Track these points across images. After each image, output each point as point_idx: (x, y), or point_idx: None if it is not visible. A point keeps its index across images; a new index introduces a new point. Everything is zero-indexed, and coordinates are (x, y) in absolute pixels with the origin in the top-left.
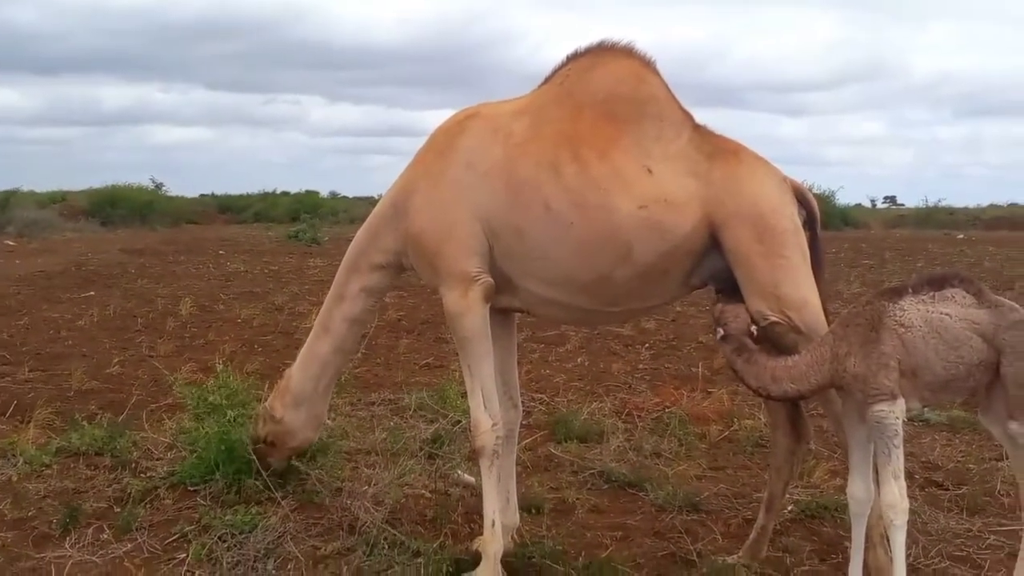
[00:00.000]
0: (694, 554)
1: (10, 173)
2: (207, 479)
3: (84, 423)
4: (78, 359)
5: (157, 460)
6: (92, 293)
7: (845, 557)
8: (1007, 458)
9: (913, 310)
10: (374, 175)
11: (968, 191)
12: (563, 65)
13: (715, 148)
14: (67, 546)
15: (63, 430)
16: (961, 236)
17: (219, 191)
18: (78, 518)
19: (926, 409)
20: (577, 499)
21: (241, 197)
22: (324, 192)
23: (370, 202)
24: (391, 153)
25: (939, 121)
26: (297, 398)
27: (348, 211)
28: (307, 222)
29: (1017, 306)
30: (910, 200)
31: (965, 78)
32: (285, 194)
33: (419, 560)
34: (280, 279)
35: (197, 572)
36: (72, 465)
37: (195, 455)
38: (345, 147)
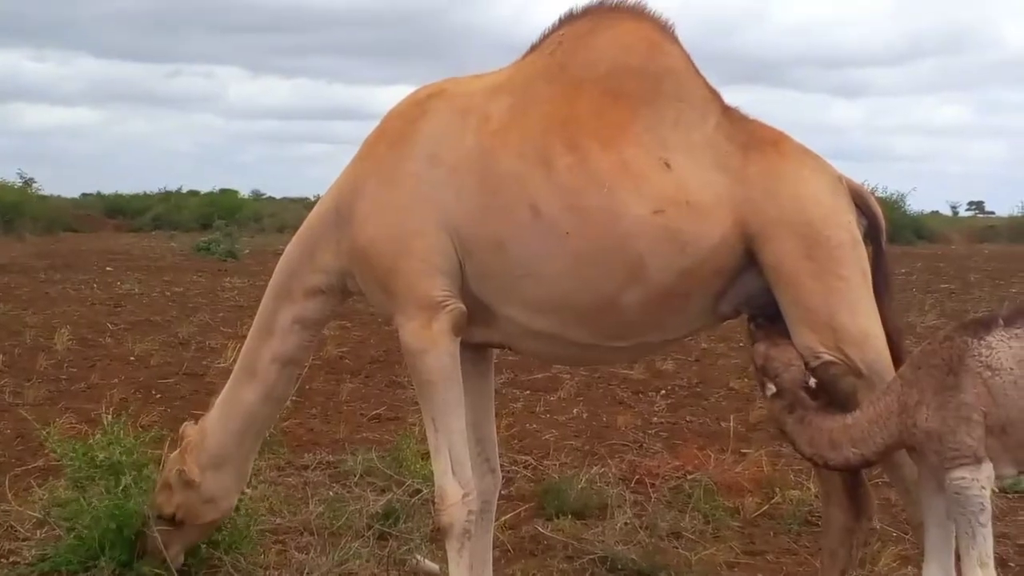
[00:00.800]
0: None
1: None
2: (88, 566)
3: None
4: None
5: (22, 541)
6: None
7: None
8: None
9: (1004, 349)
10: (309, 169)
11: None
12: (555, 30)
13: (751, 137)
14: None
15: None
16: None
17: (107, 190)
18: None
19: (1023, 476)
20: None
21: (136, 197)
22: (244, 191)
23: (304, 205)
24: (331, 141)
25: None
26: (216, 458)
27: (275, 216)
28: (222, 230)
29: None
30: (1002, 207)
31: None
32: (194, 194)
33: None
34: (186, 304)
35: None
36: None
37: (73, 534)
38: (271, 133)
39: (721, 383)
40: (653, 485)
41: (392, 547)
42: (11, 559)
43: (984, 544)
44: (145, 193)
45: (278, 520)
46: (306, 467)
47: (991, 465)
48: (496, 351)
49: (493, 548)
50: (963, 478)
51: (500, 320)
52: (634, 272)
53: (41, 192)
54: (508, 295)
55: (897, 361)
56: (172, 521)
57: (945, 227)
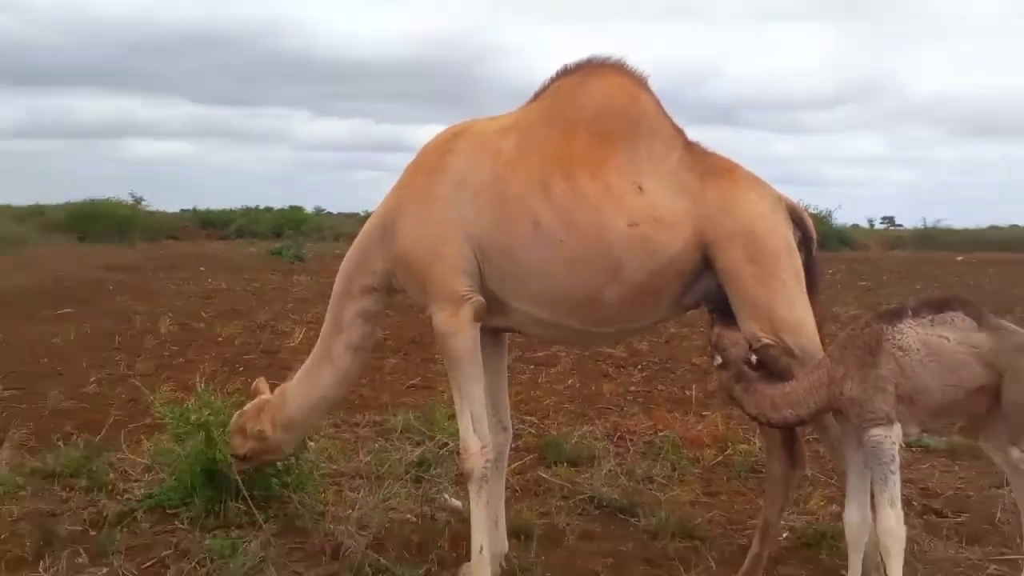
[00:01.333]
0: None
1: None
2: (186, 502)
3: (60, 443)
4: (54, 378)
5: (134, 482)
6: (69, 310)
7: None
8: (1008, 485)
9: (911, 333)
10: (361, 190)
11: (967, 212)
12: (552, 81)
13: (708, 167)
14: (41, 570)
15: (38, 451)
16: (960, 258)
17: (201, 206)
18: (53, 542)
19: (925, 435)
20: (567, 525)
21: (223, 212)
22: (309, 208)
23: (356, 219)
24: (378, 169)
25: (938, 141)
26: (290, 422)
27: (333, 227)
28: (291, 238)
29: (1019, 329)
30: (908, 221)
31: (964, 98)
32: (268, 209)
33: None
34: (263, 297)
35: None
36: (47, 487)
37: (174, 477)
38: (331, 162)
39: (686, 360)
40: (631, 440)
41: (425, 488)
42: (124, 496)
43: (894, 487)
44: (231, 209)
45: (335, 466)
46: (357, 425)
47: (900, 426)
48: (508, 334)
49: (505, 489)
50: (878, 435)
51: (511, 310)
52: (615, 272)
53: (148, 208)
54: (517, 291)
55: (821, 343)
56: (241, 458)
57: (864, 237)
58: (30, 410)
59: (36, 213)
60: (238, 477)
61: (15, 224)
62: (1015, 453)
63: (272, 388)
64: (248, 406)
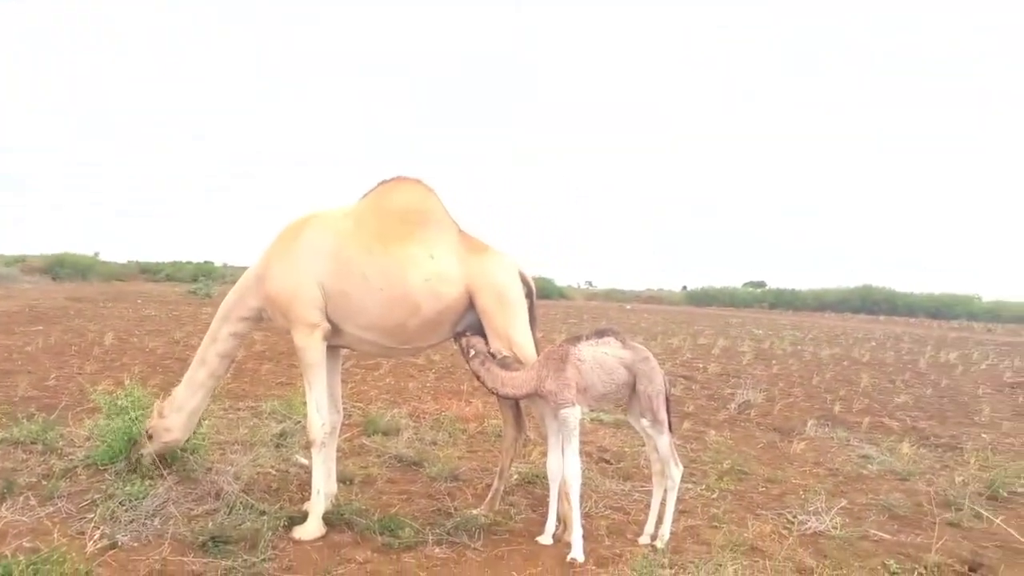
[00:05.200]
0: (453, 509)
1: None
2: (114, 461)
3: (24, 420)
4: (24, 374)
5: (77, 448)
6: (39, 328)
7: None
8: (645, 444)
9: (586, 350)
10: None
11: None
12: (375, 187)
13: (472, 245)
14: (3, 510)
15: (8, 425)
16: (629, 307)
17: (141, 258)
18: (12, 489)
19: (596, 412)
20: (378, 474)
21: (157, 263)
22: (218, 263)
23: (241, 269)
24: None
25: None
26: (179, 406)
27: (235, 275)
28: (203, 282)
29: (644, 348)
30: (602, 283)
31: None
32: (189, 262)
33: (264, 517)
34: (180, 321)
35: (101, 528)
36: (11, 451)
37: (105, 444)
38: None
39: (461, 366)
40: (424, 418)
41: (284, 452)
42: (69, 457)
43: (576, 445)
44: (162, 261)
45: (221, 437)
46: (239, 409)
47: (579, 407)
48: (344, 349)
49: (337, 451)
50: (566, 413)
51: (345, 333)
52: (414, 310)
53: (102, 258)
54: (349, 320)
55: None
56: (149, 437)
57: (574, 293)
58: (4, 396)
59: (20, 260)
60: (149, 444)
61: (3, 267)
62: (643, 423)
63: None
64: (156, 403)
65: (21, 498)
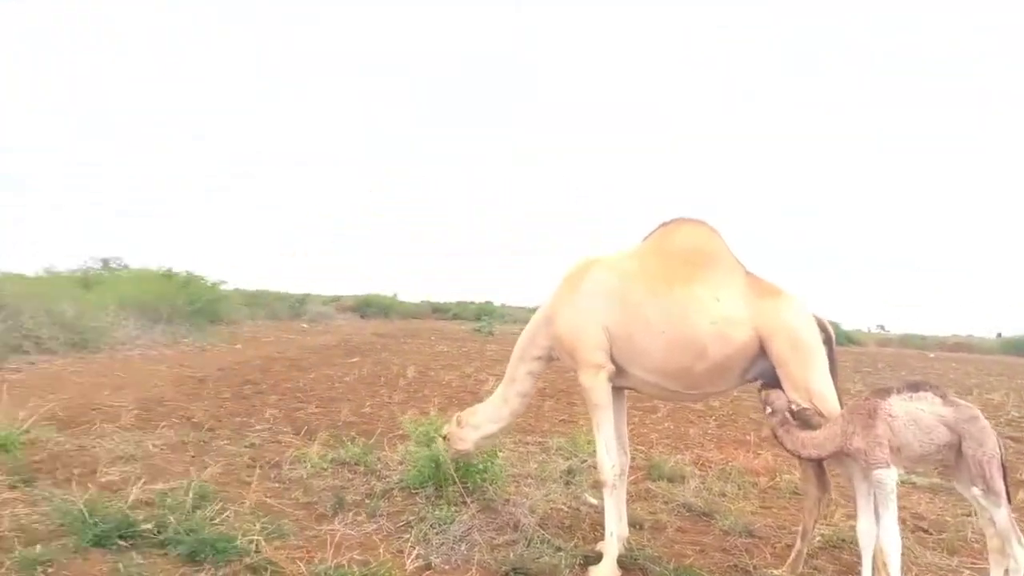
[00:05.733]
0: (751, 567)
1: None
2: (424, 485)
3: (349, 443)
4: (345, 402)
5: (392, 471)
6: (355, 359)
7: None
8: (975, 514)
9: (898, 405)
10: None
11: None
12: (656, 229)
13: (763, 288)
14: (336, 523)
15: (335, 447)
16: (932, 355)
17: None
18: (343, 505)
19: (912, 475)
20: (668, 521)
21: (446, 303)
22: (497, 303)
23: (525, 310)
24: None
25: None
26: (476, 424)
27: (512, 315)
28: (486, 320)
29: (972, 406)
30: (896, 328)
31: None
32: (472, 302)
33: (560, 553)
34: (469, 357)
35: (416, 548)
36: (340, 470)
37: (415, 469)
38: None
39: (745, 415)
40: (709, 467)
41: (573, 489)
42: (386, 479)
43: (894, 510)
44: (449, 302)
45: (514, 469)
46: (527, 443)
47: (895, 469)
48: (628, 390)
49: (626, 494)
50: (880, 475)
51: (629, 375)
52: (701, 354)
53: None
54: (634, 363)
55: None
56: (444, 439)
57: (863, 338)
58: (330, 421)
59: (335, 300)
60: (453, 474)
61: (322, 306)
62: (975, 491)
63: None
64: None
65: (351, 514)
